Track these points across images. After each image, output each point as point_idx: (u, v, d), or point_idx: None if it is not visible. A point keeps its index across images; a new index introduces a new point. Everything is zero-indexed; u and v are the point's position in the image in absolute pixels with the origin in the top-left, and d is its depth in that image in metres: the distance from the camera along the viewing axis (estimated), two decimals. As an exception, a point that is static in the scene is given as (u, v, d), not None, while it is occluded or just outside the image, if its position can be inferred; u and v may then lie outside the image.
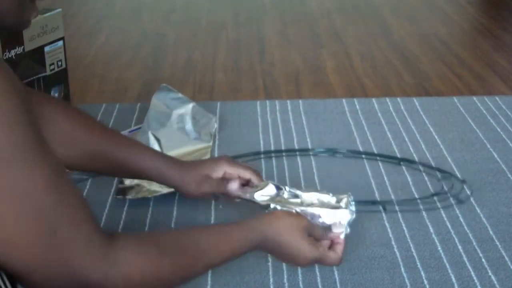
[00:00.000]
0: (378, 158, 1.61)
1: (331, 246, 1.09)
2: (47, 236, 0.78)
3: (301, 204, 1.13)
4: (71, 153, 1.16)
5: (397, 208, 1.41)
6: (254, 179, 1.21)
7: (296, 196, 1.16)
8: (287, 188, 1.17)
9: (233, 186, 1.20)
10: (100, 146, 1.18)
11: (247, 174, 1.21)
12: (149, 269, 0.87)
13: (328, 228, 1.09)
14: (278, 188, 1.18)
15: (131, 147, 1.21)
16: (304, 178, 1.53)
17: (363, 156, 1.62)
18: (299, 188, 1.18)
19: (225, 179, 1.21)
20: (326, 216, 1.09)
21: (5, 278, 0.82)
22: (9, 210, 0.75)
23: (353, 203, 1.13)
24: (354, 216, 1.10)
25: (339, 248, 1.09)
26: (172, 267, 0.91)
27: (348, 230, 1.09)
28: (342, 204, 1.12)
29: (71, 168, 1.25)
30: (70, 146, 1.16)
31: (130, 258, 0.85)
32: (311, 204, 1.13)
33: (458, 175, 1.54)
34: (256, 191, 1.17)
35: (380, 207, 1.39)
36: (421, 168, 1.56)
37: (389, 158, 1.60)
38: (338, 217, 1.10)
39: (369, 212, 1.38)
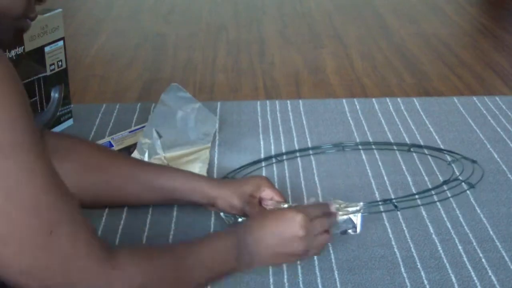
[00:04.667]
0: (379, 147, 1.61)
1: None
2: (43, 235, 0.74)
3: None
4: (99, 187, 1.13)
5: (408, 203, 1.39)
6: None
7: None
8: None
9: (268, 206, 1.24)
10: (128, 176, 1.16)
11: (280, 198, 1.23)
12: (151, 277, 0.85)
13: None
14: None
15: (165, 171, 1.20)
16: (304, 178, 1.53)
17: (374, 147, 1.62)
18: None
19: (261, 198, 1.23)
20: None
21: None
22: (3, 204, 0.72)
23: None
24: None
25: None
26: (173, 276, 0.90)
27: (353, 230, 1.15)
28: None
29: (97, 204, 1.21)
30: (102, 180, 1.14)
31: (133, 265, 0.83)
32: None
33: (459, 177, 1.54)
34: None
35: (392, 206, 1.35)
36: (426, 152, 1.57)
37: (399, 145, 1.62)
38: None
39: (380, 212, 1.36)
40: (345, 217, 1.17)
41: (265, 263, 1.08)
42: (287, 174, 1.54)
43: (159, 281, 0.87)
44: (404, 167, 1.57)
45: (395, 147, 1.62)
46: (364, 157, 1.62)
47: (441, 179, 1.51)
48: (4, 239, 0.73)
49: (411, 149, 1.59)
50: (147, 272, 0.85)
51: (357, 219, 1.15)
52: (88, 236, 0.78)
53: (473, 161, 1.53)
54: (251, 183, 1.23)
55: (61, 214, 0.76)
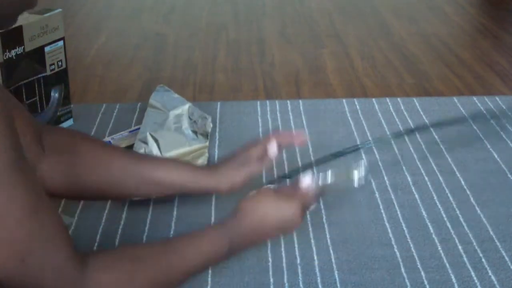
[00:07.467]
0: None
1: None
2: (14, 263, 0.77)
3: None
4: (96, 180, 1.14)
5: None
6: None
7: None
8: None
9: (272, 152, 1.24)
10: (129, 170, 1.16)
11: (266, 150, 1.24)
12: (124, 284, 0.87)
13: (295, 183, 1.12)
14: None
15: (163, 164, 1.20)
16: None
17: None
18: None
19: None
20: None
21: None
22: None
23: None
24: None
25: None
26: (147, 282, 0.90)
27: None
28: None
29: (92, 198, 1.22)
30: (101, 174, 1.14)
31: (102, 281, 0.84)
32: None
33: (459, 177, 1.54)
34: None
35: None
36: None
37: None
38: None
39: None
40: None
41: (257, 244, 1.09)
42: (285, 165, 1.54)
43: (135, 285, 0.88)
44: (403, 168, 1.58)
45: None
46: (364, 156, 1.62)
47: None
48: None
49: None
50: (121, 280, 0.86)
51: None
52: (60, 258, 0.80)
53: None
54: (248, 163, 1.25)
55: (34, 244, 0.78)
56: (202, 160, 1.56)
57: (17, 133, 0.78)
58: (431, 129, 1.50)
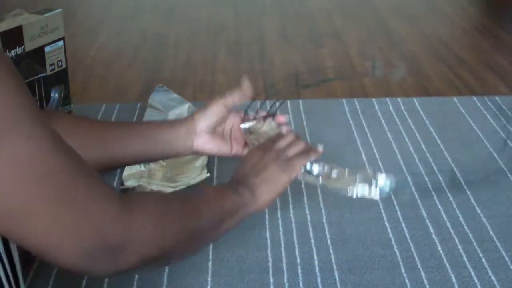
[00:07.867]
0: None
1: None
2: (66, 200, 0.74)
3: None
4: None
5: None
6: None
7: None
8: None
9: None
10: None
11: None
12: (163, 216, 0.86)
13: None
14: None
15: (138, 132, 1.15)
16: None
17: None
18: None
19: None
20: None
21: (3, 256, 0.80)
22: (17, 177, 0.70)
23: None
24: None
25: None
26: (182, 213, 0.91)
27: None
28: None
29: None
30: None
31: (146, 207, 0.84)
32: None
33: (458, 175, 1.54)
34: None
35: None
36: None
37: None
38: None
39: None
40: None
41: (265, 191, 1.06)
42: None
43: (171, 219, 0.89)
44: (404, 167, 1.58)
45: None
46: (364, 156, 1.62)
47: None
48: (23, 213, 0.72)
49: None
50: (159, 210, 0.87)
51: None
52: (104, 187, 0.79)
53: None
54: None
55: (77, 177, 0.76)
56: (202, 160, 1.56)
57: (25, 87, 0.77)
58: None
